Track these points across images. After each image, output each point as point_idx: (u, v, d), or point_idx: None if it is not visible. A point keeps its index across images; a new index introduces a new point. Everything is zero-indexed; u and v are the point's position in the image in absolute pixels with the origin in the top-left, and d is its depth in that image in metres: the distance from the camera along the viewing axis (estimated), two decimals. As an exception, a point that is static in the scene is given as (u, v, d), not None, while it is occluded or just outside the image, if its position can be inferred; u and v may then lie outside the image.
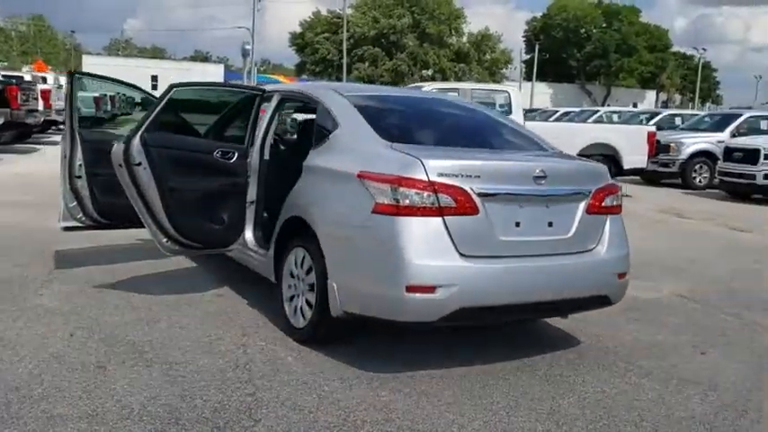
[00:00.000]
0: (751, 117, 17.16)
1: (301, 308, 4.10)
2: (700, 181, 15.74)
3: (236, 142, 4.78)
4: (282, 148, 5.37)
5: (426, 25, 53.90)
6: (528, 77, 60.87)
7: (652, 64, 63.29)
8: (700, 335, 4.73)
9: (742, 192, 13.81)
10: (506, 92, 13.03)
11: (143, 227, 6.10)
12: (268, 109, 4.93)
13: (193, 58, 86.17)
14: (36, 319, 4.29)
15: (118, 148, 4.40)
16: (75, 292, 4.89)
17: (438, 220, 3.48)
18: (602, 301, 4.01)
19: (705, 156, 15.82)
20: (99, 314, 4.46)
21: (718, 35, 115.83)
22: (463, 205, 3.51)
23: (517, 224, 3.70)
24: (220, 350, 3.94)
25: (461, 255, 3.52)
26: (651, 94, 66.83)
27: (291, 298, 4.23)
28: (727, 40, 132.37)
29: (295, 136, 6.25)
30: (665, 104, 60.86)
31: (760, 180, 13.24)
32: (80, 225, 5.36)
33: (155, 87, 52.34)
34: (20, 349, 3.78)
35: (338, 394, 3.43)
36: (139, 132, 4.36)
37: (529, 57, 65.65)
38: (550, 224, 3.81)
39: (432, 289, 3.44)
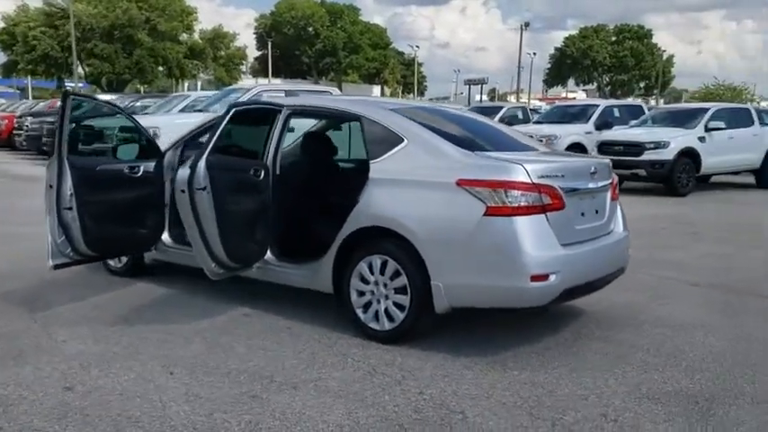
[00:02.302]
0: (510, 108, 19.95)
1: (386, 311, 4.35)
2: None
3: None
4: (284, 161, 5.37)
5: (158, 21, 51.51)
6: (263, 74, 61.54)
7: (376, 60, 68.11)
8: (647, 292, 5.87)
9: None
10: (329, 92, 13.57)
11: (133, 255, 5.67)
12: (278, 123, 4.95)
13: None
14: (108, 366, 3.93)
15: (183, 173, 4.20)
16: (94, 334, 4.48)
17: (542, 216, 4.04)
18: (622, 271, 4.88)
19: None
20: (161, 349, 4.21)
21: (407, 32, 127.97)
22: (556, 201, 4.11)
23: (582, 214, 4.40)
24: (329, 363, 4.05)
25: (561, 244, 4.12)
26: (377, 89, 71.92)
27: (367, 305, 4.45)
28: (418, 36, 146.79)
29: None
30: (383, 98, 65.59)
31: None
32: (69, 261, 4.83)
33: None
34: (152, 396, 3.52)
35: (484, 380, 3.82)
36: (204, 156, 4.20)
37: (261, 54, 66.34)
38: (597, 212, 4.58)
39: (546, 276, 4.00)
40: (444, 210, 4.13)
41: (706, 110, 14.93)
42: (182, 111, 14.19)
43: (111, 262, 5.94)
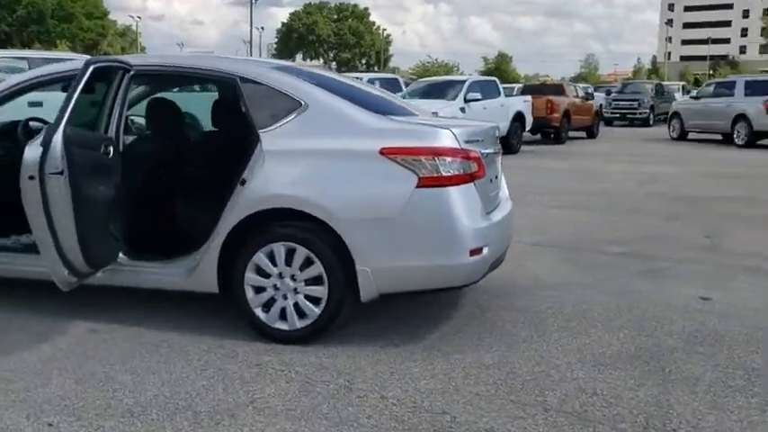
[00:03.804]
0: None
1: (296, 307, 3.70)
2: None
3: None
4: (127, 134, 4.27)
5: None
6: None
7: (92, 31, 61.87)
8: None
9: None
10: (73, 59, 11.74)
11: None
12: (121, 87, 3.93)
13: None
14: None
15: (32, 153, 3.06)
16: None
17: (471, 184, 3.70)
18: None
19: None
20: (10, 393, 3.11)
21: (118, 2, 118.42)
22: (480, 168, 3.80)
23: (491, 180, 4.16)
24: (247, 378, 3.33)
25: (486, 214, 3.84)
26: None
27: (269, 302, 3.75)
28: (130, 8, 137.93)
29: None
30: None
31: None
32: None
33: None
34: None
35: (436, 370, 3.42)
36: (60, 129, 3.10)
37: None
38: (496, 177, 4.38)
39: (481, 250, 3.69)
40: (367, 183, 3.60)
41: (462, 82, 15.92)
42: None
43: None
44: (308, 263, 3.66)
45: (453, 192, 3.57)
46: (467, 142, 3.74)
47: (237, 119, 3.99)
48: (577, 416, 2.94)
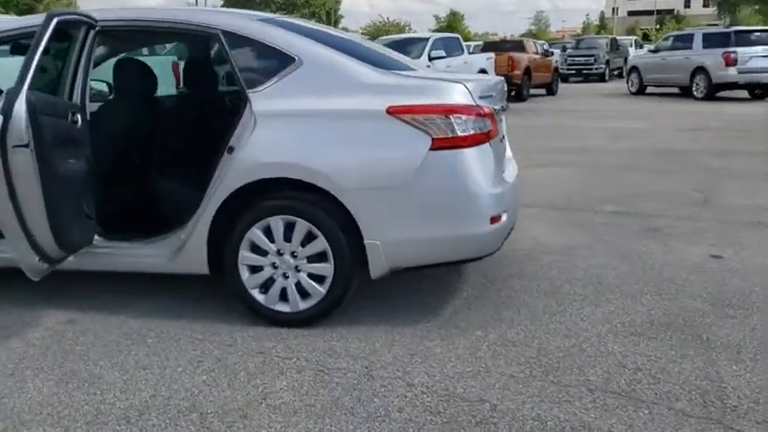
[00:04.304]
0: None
1: (298, 287, 3.35)
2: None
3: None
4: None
5: None
6: None
7: (27, -5, 58.80)
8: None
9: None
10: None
11: None
12: (85, 47, 3.45)
13: None
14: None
15: None
16: None
17: (487, 145, 3.36)
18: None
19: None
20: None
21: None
22: (494, 127, 3.46)
23: (501, 140, 3.83)
24: (251, 369, 2.97)
25: (502, 177, 3.52)
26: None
27: (267, 282, 3.38)
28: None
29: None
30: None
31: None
32: None
33: None
34: None
35: (459, 350, 3.12)
36: (23, 95, 2.62)
37: None
38: (504, 136, 4.05)
39: (500, 217, 3.37)
40: (374, 147, 3.22)
41: (425, 40, 15.49)
42: None
43: None
44: (309, 238, 3.30)
45: (470, 153, 3.23)
46: (480, 98, 3.38)
47: (218, 79, 3.55)
48: (627, 396, 2.68)
